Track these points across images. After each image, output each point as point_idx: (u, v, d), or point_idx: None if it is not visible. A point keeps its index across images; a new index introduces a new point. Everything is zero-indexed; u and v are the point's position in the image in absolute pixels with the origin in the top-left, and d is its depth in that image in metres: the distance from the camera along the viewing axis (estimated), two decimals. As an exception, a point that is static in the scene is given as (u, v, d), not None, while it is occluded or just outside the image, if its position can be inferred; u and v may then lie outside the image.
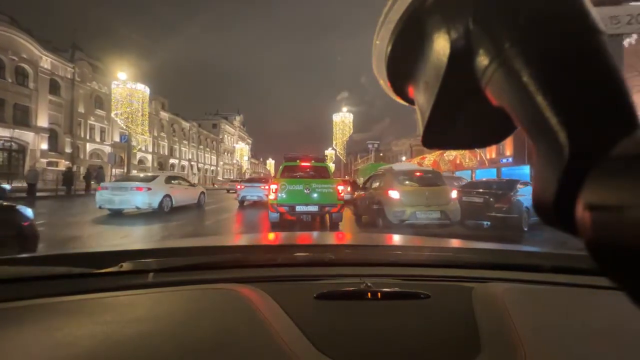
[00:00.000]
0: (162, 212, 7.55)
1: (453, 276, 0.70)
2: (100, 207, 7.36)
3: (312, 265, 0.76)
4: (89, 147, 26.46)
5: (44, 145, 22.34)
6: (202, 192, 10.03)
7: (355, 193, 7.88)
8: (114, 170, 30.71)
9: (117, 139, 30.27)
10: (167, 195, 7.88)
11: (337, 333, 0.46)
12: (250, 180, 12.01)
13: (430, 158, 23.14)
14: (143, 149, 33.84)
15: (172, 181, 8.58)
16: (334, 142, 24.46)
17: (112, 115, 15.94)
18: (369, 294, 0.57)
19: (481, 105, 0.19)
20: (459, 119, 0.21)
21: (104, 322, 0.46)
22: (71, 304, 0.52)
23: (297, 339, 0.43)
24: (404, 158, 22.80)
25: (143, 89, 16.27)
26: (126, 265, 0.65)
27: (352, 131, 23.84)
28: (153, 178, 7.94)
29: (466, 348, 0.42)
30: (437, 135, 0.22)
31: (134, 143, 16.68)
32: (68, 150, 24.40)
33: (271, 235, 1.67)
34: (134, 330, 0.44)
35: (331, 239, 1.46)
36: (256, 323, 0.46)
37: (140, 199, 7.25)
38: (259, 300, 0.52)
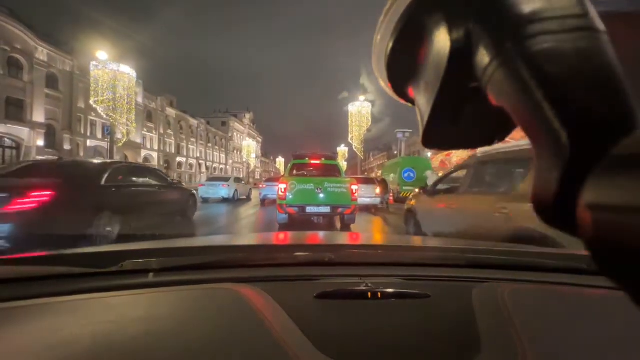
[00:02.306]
0: (233, 200, 11.41)
1: (453, 276, 0.70)
2: (201, 197, 10.33)
3: (312, 265, 0.75)
4: (90, 144, 25.04)
5: (40, 142, 20.99)
6: (251, 189, 13.85)
7: (412, 200, 4.24)
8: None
9: (120, 135, 29.08)
10: (236, 190, 11.77)
11: (337, 333, 0.46)
12: (270, 180, 12.63)
13: (457, 154, 20.46)
14: (148, 146, 32.69)
15: (238, 181, 12.72)
16: (350, 136, 21.91)
17: (91, 102, 13.27)
18: (369, 294, 0.57)
19: (481, 105, 0.18)
20: (459, 118, 0.21)
21: (104, 322, 0.46)
22: (71, 304, 0.52)
23: (297, 339, 0.42)
24: (429, 154, 20.05)
25: (129, 72, 14.05)
26: (126, 265, 0.65)
27: (370, 123, 21.23)
28: (229, 179, 12.02)
29: (466, 348, 0.42)
30: (437, 135, 0.22)
31: (119, 136, 14.47)
32: (67, 147, 23.06)
33: (272, 235, 1.61)
34: (134, 330, 0.44)
35: (331, 239, 1.41)
36: (256, 323, 0.46)
37: (224, 191, 11.17)
38: (259, 300, 0.52)
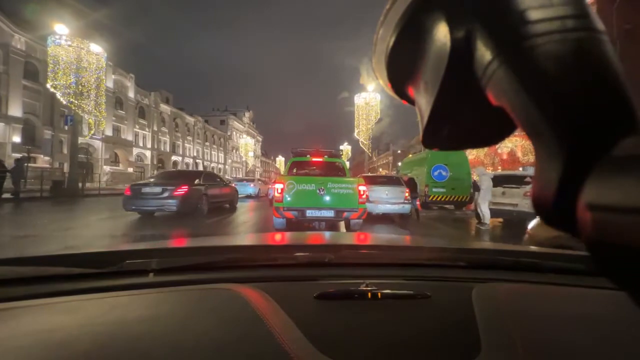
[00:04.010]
0: (256, 197, 14.53)
1: (453, 276, 0.70)
2: None
3: (313, 266, 0.75)
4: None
5: (17, 138, 19.24)
6: (270, 187, 16.42)
7: None
8: (107, 167, 27.99)
9: (109, 132, 27.19)
10: (259, 189, 15.13)
11: (337, 333, 0.46)
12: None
13: (472, 152, 18.51)
14: (141, 144, 30.93)
15: (260, 181, 17.48)
16: (356, 131, 19.84)
17: (48, 86, 10.93)
18: (369, 294, 0.56)
19: (481, 105, 0.18)
20: (459, 119, 0.21)
21: (104, 322, 0.46)
22: (71, 304, 0.52)
23: (297, 339, 0.43)
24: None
25: (100, 53, 11.69)
26: (126, 265, 0.65)
27: (378, 116, 19.12)
28: (253, 179, 16.82)
29: (466, 348, 0.42)
30: (437, 135, 0.22)
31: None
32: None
33: (271, 236, 1.45)
34: (134, 331, 0.44)
35: (331, 239, 1.37)
36: (256, 323, 0.46)
37: (251, 189, 14.70)
38: (259, 300, 0.52)
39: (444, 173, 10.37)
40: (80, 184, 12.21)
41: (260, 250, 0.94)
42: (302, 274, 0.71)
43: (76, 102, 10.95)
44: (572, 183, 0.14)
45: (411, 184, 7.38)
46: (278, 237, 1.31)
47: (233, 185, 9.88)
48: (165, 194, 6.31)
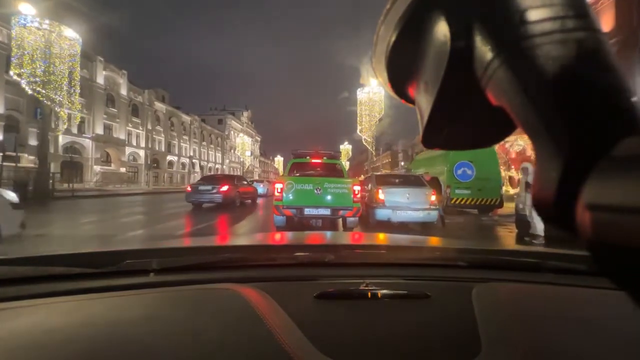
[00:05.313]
0: (266, 196, 16.39)
1: (453, 276, 0.71)
2: None
3: (313, 266, 0.75)
4: (63, 139, 22.05)
5: (-2, 136, 18.08)
6: None
7: None
8: (97, 167, 26.80)
9: (100, 130, 26.04)
10: (267, 188, 17.50)
11: (337, 333, 0.47)
12: None
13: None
14: (134, 143, 29.67)
15: (267, 181, 20.68)
16: (359, 128, 18.79)
17: (12, 73, 9.60)
18: (369, 294, 0.57)
19: (481, 105, 0.18)
20: (459, 119, 0.21)
21: (104, 322, 0.46)
22: (71, 304, 0.52)
23: (297, 339, 0.43)
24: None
25: (75, 39, 10.34)
26: (126, 265, 0.66)
27: (382, 112, 18.07)
28: (263, 180, 20.39)
29: (466, 348, 0.42)
30: (437, 135, 0.22)
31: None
32: (33, 142, 20.10)
33: (271, 236, 1.57)
34: (134, 330, 0.44)
35: (331, 239, 1.41)
36: (256, 323, 0.46)
37: (261, 189, 16.13)
38: (259, 300, 0.53)
39: (469, 172, 8.71)
40: (51, 185, 10.97)
41: (260, 250, 0.94)
42: (302, 273, 0.71)
43: (44, 92, 9.64)
44: (572, 183, 0.14)
45: (435, 185, 6.04)
46: (278, 236, 1.32)
47: (254, 185, 12.66)
48: (214, 191, 9.10)
